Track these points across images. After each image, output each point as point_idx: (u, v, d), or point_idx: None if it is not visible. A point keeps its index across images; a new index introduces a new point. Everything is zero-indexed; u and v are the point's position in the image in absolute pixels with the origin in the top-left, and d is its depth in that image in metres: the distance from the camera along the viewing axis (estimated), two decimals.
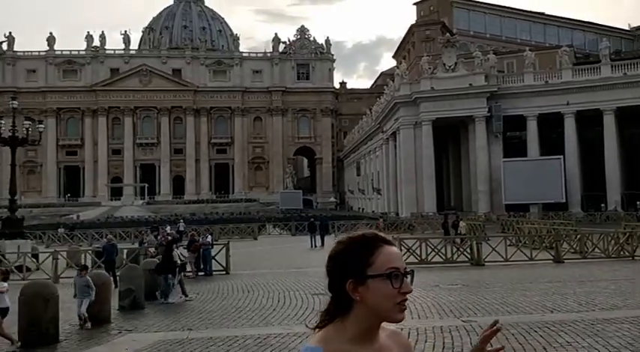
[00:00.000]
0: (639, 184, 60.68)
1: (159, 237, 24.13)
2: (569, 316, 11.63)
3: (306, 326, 2.12)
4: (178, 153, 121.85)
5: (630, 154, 65.34)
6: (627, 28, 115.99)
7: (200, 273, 23.33)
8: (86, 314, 12.60)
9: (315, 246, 38.95)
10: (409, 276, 1.94)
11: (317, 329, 2.01)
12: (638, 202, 59.11)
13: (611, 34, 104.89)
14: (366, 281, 1.89)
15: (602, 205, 60.00)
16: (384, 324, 1.98)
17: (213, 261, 24.18)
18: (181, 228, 42.06)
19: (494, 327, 2.02)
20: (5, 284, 11.37)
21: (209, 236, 25.48)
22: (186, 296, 16.92)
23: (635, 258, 23.61)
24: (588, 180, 65.05)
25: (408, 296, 1.91)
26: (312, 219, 46.77)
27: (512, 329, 10.21)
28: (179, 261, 17.29)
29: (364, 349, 1.93)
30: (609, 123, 60.22)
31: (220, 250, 24.93)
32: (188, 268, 23.36)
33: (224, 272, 23.77)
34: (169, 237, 23.71)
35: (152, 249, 22.91)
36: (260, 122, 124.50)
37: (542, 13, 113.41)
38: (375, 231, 2.05)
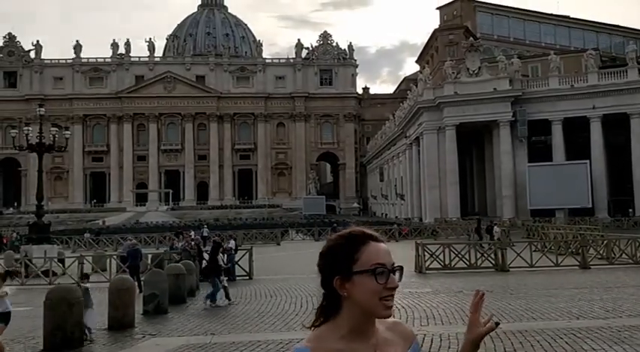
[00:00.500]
0: None
1: (181, 243, 24.26)
2: (595, 323, 11.43)
3: (303, 325, 2.13)
4: (202, 159, 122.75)
5: None
6: None
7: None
8: (88, 326, 11.75)
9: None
10: (397, 273, 1.96)
11: (313, 328, 2.02)
12: None
13: (638, 37, 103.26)
14: (352, 277, 1.92)
15: (630, 210, 59.02)
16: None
17: (236, 266, 24.28)
18: (205, 234, 42.32)
19: (480, 294, 2.06)
20: (5, 288, 10.30)
21: (232, 241, 25.58)
22: (230, 300, 16.99)
23: None
24: (615, 185, 64.05)
25: (395, 292, 1.93)
26: (334, 224, 46.89)
27: (538, 336, 10.07)
28: (223, 265, 17.36)
29: (358, 345, 1.93)
30: (636, 127, 59.26)
31: (243, 255, 25.04)
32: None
33: (247, 278, 23.87)
34: (192, 243, 23.88)
35: (176, 255, 23.06)
36: (283, 128, 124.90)
37: (567, 16, 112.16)
38: (364, 227, 2.06)
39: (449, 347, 9.39)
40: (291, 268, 28.39)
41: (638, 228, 47.58)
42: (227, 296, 17.09)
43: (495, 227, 37.29)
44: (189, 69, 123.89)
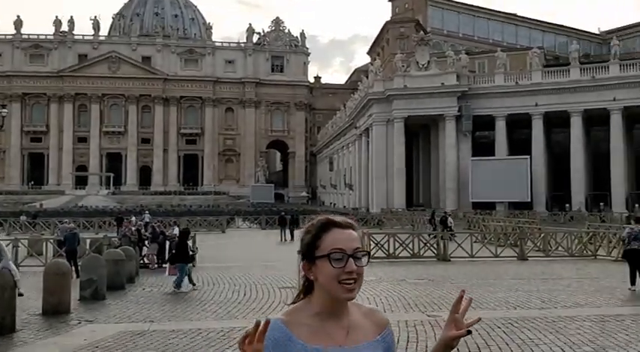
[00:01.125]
0: (603, 185, 61.85)
1: (122, 229, 23.67)
2: (531, 313, 11.73)
3: (285, 303, 2.17)
4: (146, 142, 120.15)
5: (595, 156, 66.58)
6: (597, 31, 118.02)
7: (164, 265, 23.02)
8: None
9: (285, 240, 38.95)
10: (363, 258, 2.05)
11: (291, 304, 2.17)
12: (601, 203, 60.32)
13: (581, 38, 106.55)
14: (315, 262, 2.06)
15: (567, 205, 61.09)
16: (360, 303, 2.15)
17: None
18: (147, 220, 41.37)
19: (461, 295, 2.18)
20: None
21: (176, 228, 25.11)
22: (194, 284, 16.96)
23: (598, 257, 24.04)
24: (554, 181, 66.17)
25: (356, 276, 2.02)
26: (282, 213, 46.84)
27: (476, 325, 10.21)
28: (192, 252, 17.40)
29: (329, 324, 2.05)
30: (576, 125, 61.23)
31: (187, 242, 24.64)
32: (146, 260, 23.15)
33: (190, 265, 23.48)
34: (133, 229, 23.37)
35: (116, 240, 22.50)
36: (232, 113, 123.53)
37: (515, 15, 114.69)
38: (333, 216, 2.17)
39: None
40: (235, 256, 28.14)
41: (574, 222, 49.32)
42: (191, 281, 17.04)
43: (449, 218, 37.96)
44: (135, 49, 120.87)
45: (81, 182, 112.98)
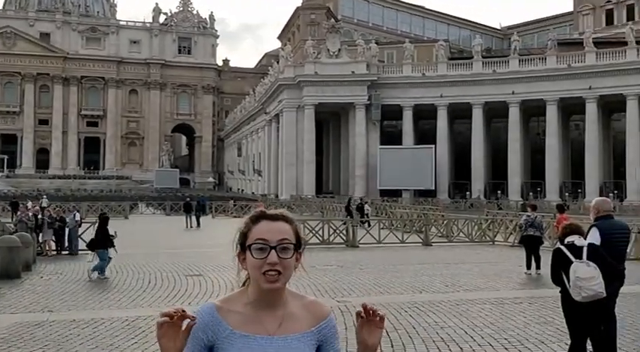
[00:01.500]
0: (501, 175, 65.03)
1: (19, 214, 22.34)
2: (436, 296, 12.13)
3: (232, 290, 2.21)
4: (44, 124, 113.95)
5: (495, 146, 69.86)
6: (498, 27, 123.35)
7: (64, 252, 22.03)
8: None
9: (191, 227, 38.25)
10: (289, 250, 2.06)
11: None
12: (499, 191, 63.46)
13: (484, 32, 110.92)
14: (244, 252, 2.09)
15: (468, 193, 63.80)
16: (300, 293, 2.18)
17: (80, 239, 22.92)
18: (44, 204, 39.45)
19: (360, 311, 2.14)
20: None
21: (76, 213, 23.98)
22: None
23: (496, 242, 25.22)
24: (457, 170, 68.89)
25: (280, 268, 2.02)
26: (187, 199, 46.05)
27: (384, 309, 10.29)
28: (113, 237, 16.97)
29: (262, 313, 2.05)
30: (477, 116, 63.87)
31: (88, 228, 23.68)
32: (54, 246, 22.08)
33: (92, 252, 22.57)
34: (30, 214, 22.15)
35: (11, 226, 21.23)
36: (136, 95, 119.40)
37: (422, 7, 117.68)
38: (271, 209, 2.22)
39: None
40: (140, 243, 27.27)
41: (474, 210, 51.63)
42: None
43: (366, 205, 38.65)
44: (32, 25, 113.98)
45: None
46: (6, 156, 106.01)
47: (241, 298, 2.10)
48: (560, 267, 6.14)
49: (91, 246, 16.58)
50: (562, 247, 6.23)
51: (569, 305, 6.14)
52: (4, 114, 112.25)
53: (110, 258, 16.50)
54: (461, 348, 7.74)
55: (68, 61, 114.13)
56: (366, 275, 15.82)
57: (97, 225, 17.18)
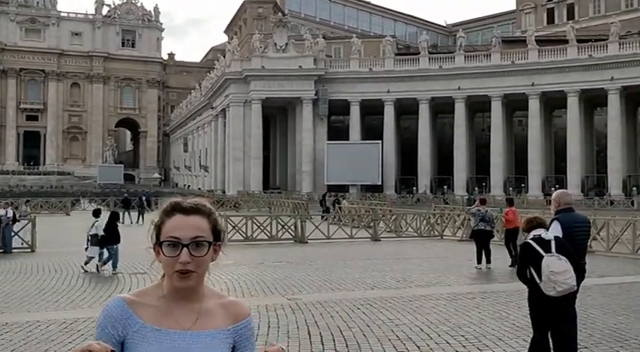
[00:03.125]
0: (447, 170, 65.94)
1: None
2: (388, 293, 11.92)
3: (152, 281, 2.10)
4: None
5: (441, 142, 70.81)
6: (444, 24, 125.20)
7: (0, 251, 20.92)
8: None
9: (132, 222, 37.33)
10: (202, 247, 1.95)
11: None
12: (445, 186, 64.34)
13: (430, 29, 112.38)
14: (158, 247, 1.98)
15: (414, 188, 64.42)
16: (221, 293, 2.07)
17: (16, 237, 21.82)
18: None
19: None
20: None
21: (8, 209, 22.72)
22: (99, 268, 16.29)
23: (444, 237, 25.35)
24: (403, 165, 69.46)
25: (193, 267, 1.93)
26: (126, 195, 45.41)
27: (337, 307, 10.17)
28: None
29: (177, 308, 1.95)
30: (424, 111, 64.55)
31: (25, 225, 22.59)
32: None
33: (29, 250, 21.54)
34: None
35: None
36: (78, 89, 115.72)
37: (369, 3, 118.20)
38: (184, 199, 2.05)
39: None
40: (80, 240, 26.08)
41: (420, 205, 52.10)
42: (105, 263, 16.47)
43: (344, 201, 38.40)
44: None
45: None
46: None
47: (156, 291, 2.01)
48: (530, 262, 5.95)
49: (104, 242, 16.53)
50: (531, 241, 6.03)
51: (537, 300, 5.96)
52: None
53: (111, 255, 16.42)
54: (418, 347, 7.50)
55: (6, 52, 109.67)
56: (316, 271, 15.53)
57: (106, 221, 17.10)
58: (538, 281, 5.85)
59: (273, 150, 77.00)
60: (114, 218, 17.51)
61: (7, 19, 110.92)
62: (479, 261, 15.87)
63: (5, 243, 21.13)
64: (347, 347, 7.52)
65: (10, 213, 22.29)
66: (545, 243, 5.90)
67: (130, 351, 1.91)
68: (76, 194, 67.56)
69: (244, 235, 24.57)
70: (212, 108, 79.17)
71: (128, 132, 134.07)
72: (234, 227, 24.52)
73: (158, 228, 2.01)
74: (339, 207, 36.30)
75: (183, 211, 1.99)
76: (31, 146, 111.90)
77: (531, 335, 6.37)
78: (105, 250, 16.57)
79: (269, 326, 8.76)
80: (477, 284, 13.14)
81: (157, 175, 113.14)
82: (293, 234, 25.08)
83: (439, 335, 8.11)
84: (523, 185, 61.98)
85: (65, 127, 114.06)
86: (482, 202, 17.45)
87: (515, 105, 64.56)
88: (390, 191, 63.18)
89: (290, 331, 8.45)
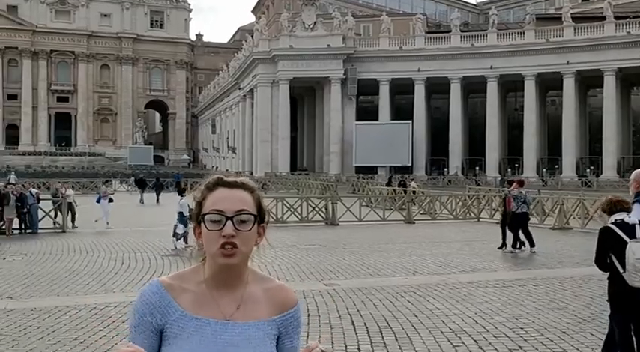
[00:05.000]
0: (479, 150, 64.67)
1: None
2: (432, 279, 11.31)
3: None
4: (12, 99, 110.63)
5: (472, 122, 69.44)
6: (474, 2, 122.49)
7: (28, 231, 20.81)
8: None
9: (142, 203, 38.02)
10: (247, 222, 1.80)
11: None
12: (477, 167, 63.16)
13: (460, 7, 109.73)
14: (200, 224, 1.84)
15: (445, 169, 63.36)
16: (267, 276, 1.91)
17: (47, 218, 21.72)
18: (12, 181, 37.93)
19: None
20: None
21: (31, 189, 22.50)
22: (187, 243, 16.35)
23: (480, 219, 24.56)
24: (434, 146, 68.33)
25: (237, 241, 1.76)
26: (141, 176, 48.68)
27: (379, 294, 9.59)
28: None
29: (218, 294, 1.81)
30: (455, 91, 63.21)
31: (56, 206, 22.48)
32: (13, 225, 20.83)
33: (60, 231, 21.40)
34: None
35: None
36: (108, 70, 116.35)
37: None
38: (224, 175, 1.92)
39: None
40: (113, 220, 26.06)
41: (451, 186, 51.16)
42: (185, 240, 16.37)
43: (412, 183, 37.69)
44: None
45: None
46: None
47: (195, 275, 1.85)
48: (611, 249, 5.27)
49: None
50: (612, 226, 5.34)
51: (619, 292, 5.28)
52: None
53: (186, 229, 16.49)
54: (475, 340, 6.87)
55: (37, 34, 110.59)
56: (351, 255, 14.98)
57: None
58: (621, 270, 5.18)
59: (301, 131, 76.42)
60: (183, 192, 18.00)
61: (38, 1, 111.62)
62: (514, 246, 15.34)
63: (32, 223, 20.99)
64: (396, 339, 6.92)
65: (33, 192, 22.15)
66: (629, 228, 5.22)
67: (169, 340, 1.76)
68: (107, 175, 68.18)
69: (274, 217, 24.15)
70: (240, 89, 78.76)
71: (157, 114, 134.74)
72: None
73: (199, 205, 1.85)
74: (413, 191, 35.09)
75: (226, 185, 1.86)
76: (63, 127, 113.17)
77: (606, 330, 5.71)
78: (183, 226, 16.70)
79: (309, 315, 8.22)
80: (525, 269, 12.42)
81: (185, 157, 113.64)
82: (324, 216, 24.57)
83: (496, 327, 7.47)
84: (557, 166, 60.54)
85: (95, 109, 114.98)
86: (521, 184, 16.71)
87: (548, 84, 62.88)
88: (420, 172, 62.17)
89: (332, 320, 7.89)
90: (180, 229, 16.67)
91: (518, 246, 15.40)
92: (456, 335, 7.12)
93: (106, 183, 27.66)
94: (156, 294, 1.79)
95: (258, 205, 1.86)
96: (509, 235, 15.53)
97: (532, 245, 15.19)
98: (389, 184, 39.54)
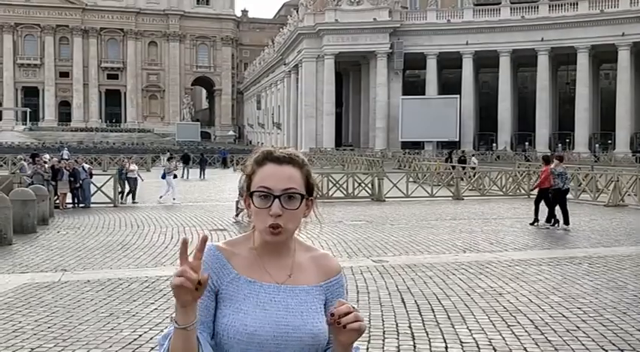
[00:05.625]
0: (528, 125, 63.15)
1: (33, 166, 21.50)
2: (483, 256, 11.05)
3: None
4: (64, 76, 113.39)
5: (522, 96, 67.74)
6: None
7: (81, 205, 21.31)
8: None
9: (186, 178, 38.60)
10: (294, 200, 1.79)
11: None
12: (526, 143, 61.73)
13: None
14: (250, 197, 1.85)
15: (494, 145, 62.14)
16: (311, 245, 1.94)
17: (99, 192, 22.20)
18: (65, 156, 38.95)
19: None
20: None
21: (84, 164, 22.95)
22: None
23: (531, 195, 23.93)
24: (482, 121, 67.07)
25: (283, 220, 1.77)
26: (185, 151, 49.11)
27: (429, 271, 9.43)
28: None
29: (269, 261, 1.85)
30: (504, 64, 61.65)
31: (108, 180, 22.95)
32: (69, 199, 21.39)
33: (112, 205, 21.87)
34: (47, 165, 21.35)
35: (27, 178, 20.46)
36: (155, 47, 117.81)
37: None
38: (275, 148, 1.91)
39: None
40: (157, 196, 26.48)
41: (500, 162, 50.17)
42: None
43: (473, 158, 37.27)
44: None
45: None
46: (28, 109, 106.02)
47: (247, 242, 1.89)
48: None
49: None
50: None
51: None
52: (25, 66, 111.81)
53: None
54: (531, 320, 6.65)
55: (87, 12, 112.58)
56: (399, 231, 14.81)
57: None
58: None
59: (346, 106, 75.98)
60: None
61: None
62: (548, 220, 15.10)
63: (85, 197, 21.48)
64: (449, 318, 6.75)
65: (87, 167, 22.59)
66: None
67: (225, 302, 1.79)
68: (156, 151, 69.28)
69: (320, 193, 24.09)
70: (285, 64, 78.63)
71: (204, 91, 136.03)
72: None
73: (249, 178, 1.86)
74: (472, 166, 34.43)
75: (275, 160, 1.84)
76: (113, 104, 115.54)
77: None
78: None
79: (358, 292, 8.13)
80: (579, 248, 12.03)
81: (231, 133, 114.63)
82: (370, 191, 24.40)
83: (552, 307, 7.22)
84: (609, 141, 58.66)
85: (144, 86, 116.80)
86: (561, 159, 16.35)
87: (602, 57, 60.72)
88: (468, 148, 61.04)
89: (381, 298, 7.77)
90: (242, 204, 16.91)
91: (552, 222, 15.09)
92: (510, 314, 6.91)
93: (170, 159, 27.81)
94: (212, 257, 1.81)
95: (306, 180, 1.87)
96: (542, 211, 15.32)
97: (567, 223, 14.80)
98: (448, 160, 38.77)
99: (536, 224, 15.49)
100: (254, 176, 1.85)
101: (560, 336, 6.13)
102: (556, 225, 15.06)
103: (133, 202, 22.93)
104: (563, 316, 6.83)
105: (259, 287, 1.82)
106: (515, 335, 6.17)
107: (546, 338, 6.09)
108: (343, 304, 1.70)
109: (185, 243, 1.61)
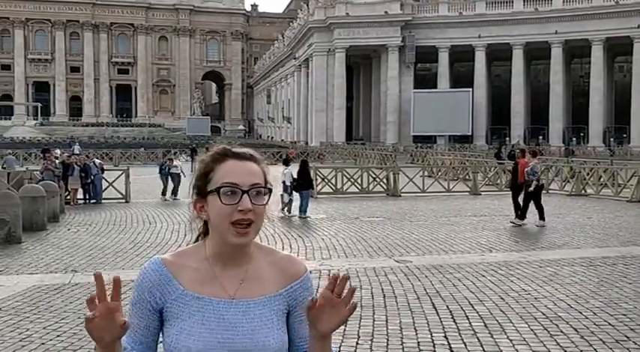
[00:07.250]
0: (542, 119, 62.39)
1: (45, 162, 21.21)
2: (510, 256, 10.57)
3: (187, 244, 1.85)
4: (75, 71, 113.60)
5: (535, 90, 66.92)
6: None
7: (92, 201, 20.99)
8: None
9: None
10: (263, 195, 1.70)
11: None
12: (539, 136, 60.97)
13: None
14: (206, 197, 1.73)
15: (507, 139, 61.46)
16: (272, 248, 1.82)
17: (111, 188, 21.87)
18: (76, 151, 38.69)
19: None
20: None
21: (95, 160, 22.61)
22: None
23: (550, 191, 23.41)
24: (494, 114, 66.34)
25: (252, 217, 1.65)
26: (194, 145, 49.05)
27: (457, 273, 8.96)
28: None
29: (223, 271, 1.72)
30: (517, 57, 60.92)
31: (119, 176, 22.59)
32: (80, 195, 21.08)
33: (123, 201, 21.52)
34: (57, 161, 21.04)
35: (37, 173, 20.18)
36: (166, 42, 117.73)
37: None
38: (233, 145, 1.83)
39: (360, 288, 8.02)
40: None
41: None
42: (289, 209, 17.32)
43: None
44: None
45: (6, 112, 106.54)
46: (39, 104, 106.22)
47: (198, 252, 1.75)
48: None
49: (297, 188, 17.23)
50: None
51: None
52: (36, 61, 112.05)
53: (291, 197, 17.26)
54: (575, 329, 6.16)
55: (97, 7, 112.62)
56: (419, 228, 14.33)
57: (298, 168, 17.73)
58: None
59: (357, 100, 75.47)
60: (305, 165, 18.16)
61: None
62: (541, 218, 14.28)
63: (96, 193, 21.16)
64: (486, 327, 6.28)
65: (97, 162, 22.27)
66: None
67: (170, 321, 1.68)
68: (167, 145, 69.18)
69: (334, 187, 23.72)
70: (295, 58, 78.16)
71: (214, 85, 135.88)
72: (323, 179, 23.74)
73: (205, 177, 1.71)
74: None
75: (236, 156, 1.73)
76: (124, 99, 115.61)
77: None
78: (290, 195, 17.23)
79: (384, 295, 7.68)
80: (610, 246, 11.50)
81: (241, 127, 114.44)
82: (385, 186, 23.94)
83: (594, 314, 6.72)
84: (625, 135, 57.82)
85: (154, 80, 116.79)
86: (534, 155, 15.80)
87: (617, 49, 59.85)
88: (481, 142, 60.54)
89: (410, 302, 7.31)
90: (286, 198, 17.18)
91: (522, 218, 14.51)
92: (551, 321, 6.43)
93: (171, 156, 27.27)
94: (156, 272, 1.70)
95: (265, 178, 1.74)
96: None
97: (542, 218, 14.21)
98: (497, 155, 37.64)
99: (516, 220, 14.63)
100: (213, 174, 1.70)
101: (610, 348, 5.66)
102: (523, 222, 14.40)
103: (174, 198, 22.26)
104: (609, 324, 6.35)
105: (207, 304, 1.68)
106: (561, 346, 5.69)
107: (595, 350, 5.62)
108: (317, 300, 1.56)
109: (102, 281, 1.53)
